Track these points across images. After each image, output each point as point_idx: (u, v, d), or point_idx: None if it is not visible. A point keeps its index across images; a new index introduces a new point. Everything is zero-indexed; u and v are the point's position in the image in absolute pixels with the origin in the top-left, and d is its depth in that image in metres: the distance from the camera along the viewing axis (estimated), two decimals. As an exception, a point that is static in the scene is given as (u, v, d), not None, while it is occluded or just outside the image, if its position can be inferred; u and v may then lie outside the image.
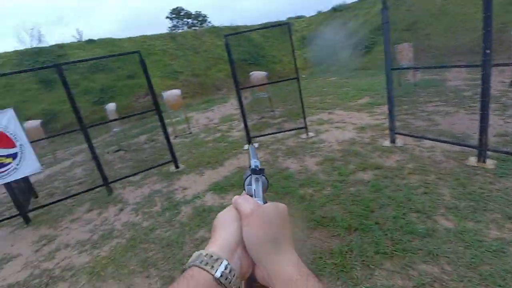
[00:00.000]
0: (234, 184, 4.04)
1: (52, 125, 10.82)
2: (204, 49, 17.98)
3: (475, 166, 3.36)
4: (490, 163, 3.34)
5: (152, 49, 16.11)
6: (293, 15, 27.85)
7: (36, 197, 5.23)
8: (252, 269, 0.43)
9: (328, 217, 2.75)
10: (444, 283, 1.85)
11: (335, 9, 22.06)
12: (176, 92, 7.83)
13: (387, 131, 4.48)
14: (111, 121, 6.34)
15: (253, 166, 0.55)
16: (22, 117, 4.04)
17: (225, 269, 0.39)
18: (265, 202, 0.49)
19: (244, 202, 0.46)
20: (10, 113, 3.87)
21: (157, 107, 4.89)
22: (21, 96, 11.99)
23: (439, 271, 1.95)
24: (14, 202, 4.20)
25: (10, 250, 3.69)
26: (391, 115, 4.25)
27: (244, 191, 0.53)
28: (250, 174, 0.54)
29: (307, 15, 25.61)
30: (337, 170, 3.79)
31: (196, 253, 0.41)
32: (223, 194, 3.87)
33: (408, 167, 3.57)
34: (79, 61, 5.71)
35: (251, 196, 0.50)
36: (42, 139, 6.41)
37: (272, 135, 5.79)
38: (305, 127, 5.43)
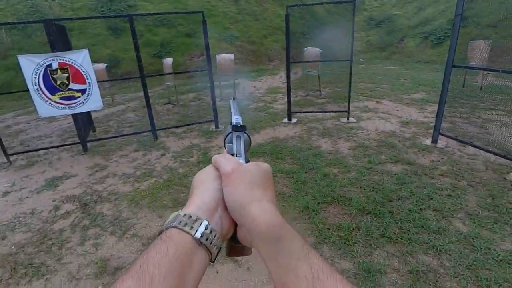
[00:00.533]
0: (265, 152, 4.28)
1: (115, 70, 11.83)
2: (264, 16, 17.76)
3: (515, 181, 3.19)
4: (535, 181, 3.15)
5: (215, 10, 16.31)
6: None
7: (94, 131, 6.00)
8: (233, 229, 0.42)
9: (346, 197, 2.90)
10: (438, 275, 1.96)
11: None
12: (229, 56, 8.06)
13: (432, 130, 4.31)
14: (166, 74, 6.83)
15: (234, 123, 0.52)
16: (91, 59, 4.57)
17: (206, 229, 0.37)
18: (247, 161, 0.47)
19: (224, 160, 0.44)
20: (85, 53, 4.42)
21: (209, 69, 5.19)
22: (92, 39, 13.13)
23: (437, 264, 2.05)
24: (77, 131, 4.92)
25: (70, 170, 4.39)
26: (439, 114, 4.07)
27: (224, 150, 0.50)
28: (231, 131, 0.50)
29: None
30: (367, 157, 3.83)
31: (173, 214, 0.38)
32: (253, 158, 4.14)
33: (441, 168, 3.50)
34: (149, 14, 6.14)
35: (233, 155, 0.48)
36: (106, 81, 7.16)
37: (313, 113, 5.84)
38: (348, 111, 5.39)
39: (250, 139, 0.52)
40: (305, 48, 7.70)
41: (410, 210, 2.66)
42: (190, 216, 0.37)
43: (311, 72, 7.77)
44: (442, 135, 4.16)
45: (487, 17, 12.97)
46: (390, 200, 2.85)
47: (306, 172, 3.49)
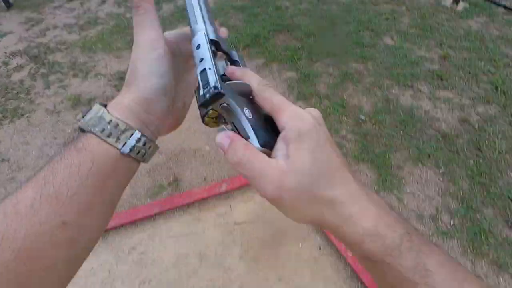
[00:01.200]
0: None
1: None
2: None
3: (447, 7, 3.51)
4: (461, 5, 3.49)
5: None
6: None
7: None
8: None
9: (295, 25, 3.09)
10: (361, 75, 2.46)
11: None
12: None
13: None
14: None
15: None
16: None
17: (137, 142, 0.29)
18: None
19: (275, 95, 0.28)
20: None
21: None
22: None
23: (362, 68, 2.54)
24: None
25: (0, 28, 3.92)
26: None
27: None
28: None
29: None
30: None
31: (95, 109, 0.28)
32: None
33: (385, -3, 3.67)
34: None
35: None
36: None
37: None
38: None
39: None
40: None
41: (350, 32, 2.98)
42: (117, 125, 0.28)
43: None
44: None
45: None
46: (334, 24, 3.11)
47: (258, 7, 3.49)
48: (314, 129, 0.25)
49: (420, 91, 2.35)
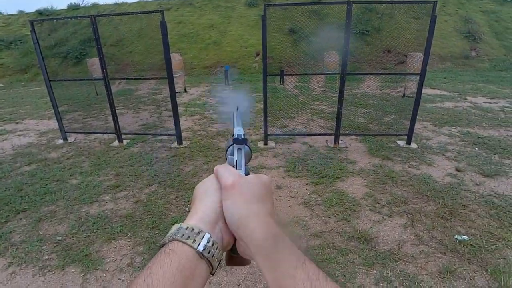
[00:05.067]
0: None
1: None
2: None
3: (116, 145, 5.05)
4: (125, 142, 5.17)
5: None
6: (-22, 9, 21.99)
7: None
8: (233, 241, 0.42)
9: (-27, 204, 3.29)
10: (51, 214, 3.06)
11: (41, 13, 20.00)
12: None
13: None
14: None
15: (236, 135, 0.52)
16: None
17: (208, 242, 0.37)
18: (247, 173, 0.47)
19: (225, 172, 0.44)
20: None
21: None
22: None
23: (55, 208, 3.15)
24: None
25: None
26: (58, 118, 5.21)
27: (226, 161, 0.51)
28: (233, 144, 0.51)
29: (5, 13, 21.36)
30: (1, 170, 4.24)
31: (175, 226, 0.39)
32: None
33: (69, 155, 4.71)
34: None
35: (233, 166, 0.48)
36: None
37: None
38: (-25, 139, 5.22)
39: (251, 151, 0.52)
40: None
41: (36, 187, 3.59)
42: (193, 229, 0.37)
43: None
44: (69, 132, 5.40)
45: (109, 38, 16.03)
46: (21, 189, 3.62)
47: None
48: (266, 179, 0.45)
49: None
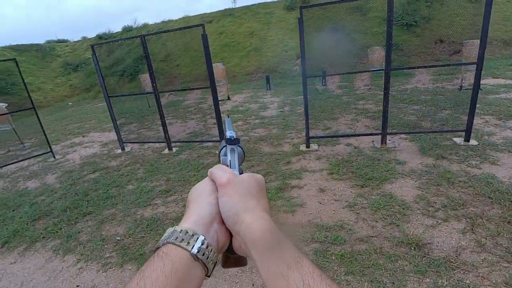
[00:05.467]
0: None
1: None
2: None
3: (166, 153, 5.42)
4: (174, 150, 5.52)
5: None
6: (54, 38, 25.48)
7: None
8: (229, 242, 0.42)
9: (50, 210, 3.79)
10: (112, 217, 3.40)
11: (100, 37, 22.39)
12: None
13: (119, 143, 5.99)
14: None
15: (228, 136, 0.53)
16: None
17: (202, 244, 0.37)
18: (241, 173, 0.48)
19: (220, 172, 0.44)
20: None
21: None
22: None
23: (115, 211, 3.50)
24: None
25: None
26: (117, 130, 5.78)
27: (220, 162, 0.52)
28: (226, 145, 0.52)
29: (71, 40, 24.43)
30: (71, 178, 4.82)
31: (169, 230, 0.38)
32: None
33: (126, 163, 5.18)
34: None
35: (228, 166, 0.49)
36: None
37: (18, 163, 5.92)
38: (51, 151, 6.02)
39: (244, 152, 0.54)
40: None
41: (102, 192, 4.03)
42: (187, 232, 0.38)
43: (3, 128, 7.42)
44: (126, 142, 5.94)
45: (158, 54, 17.30)
46: (87, 194, 4.08)
47: (13, 210, 3.96)
48: (260, 178, 0.47)
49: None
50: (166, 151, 5.54)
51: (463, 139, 4.27)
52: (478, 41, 3.90)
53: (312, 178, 3.76)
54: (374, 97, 7.59)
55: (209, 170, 0.46)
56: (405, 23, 13.64)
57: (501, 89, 7.01)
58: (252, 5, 18.25)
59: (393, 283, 2.09)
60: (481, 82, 7.37)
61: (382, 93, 4.33)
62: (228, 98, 9.93)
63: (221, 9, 19.26)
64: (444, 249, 2.34)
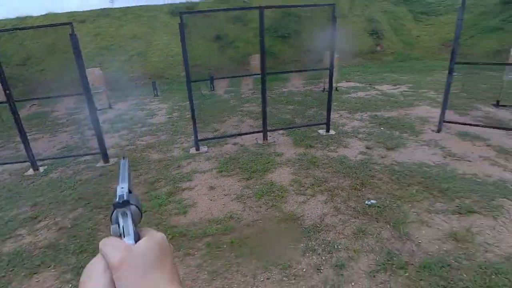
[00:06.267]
0: None
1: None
2: None
3: (30, 174, 4.55)
4: (41, 169, 4.68)
5: None
6: None
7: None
8: None
9: None
10: None
11: None
12: None
13: None
14: None
15: (117, 197, 0.43)
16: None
17: None
18: (138, 239, 0.41)
19: (110, 250, 0.38)
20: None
21: None
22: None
23: None
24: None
25: None
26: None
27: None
28: (115, 209, 0.43)
29: None
30: None
31: None
32: None
33: None
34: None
35: (120, 235, 0.41)
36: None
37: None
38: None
39: (140, 210, 0.45)
40: None
41: None
42: None
43: None
44: None
45: (13, 57, 14.23)
46: None
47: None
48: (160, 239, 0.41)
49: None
50: (31, 171, 4.64)
51: (325, 130, 5.20)
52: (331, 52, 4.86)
53: (203, 178, 3.87)
54: (257, 100, 8.31)
55: (100, 243, 0.40)
56: (280, 35, 15.46)
57: (351, 90, 8.82)
58: (133, 6, 17.09)
59: (276, 254, 2.41)
60: (338, 85, 9.12)
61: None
62: (110, 107, 9.05)
63: (95, 9, 17.29)
64: (312, 218, 2.83)
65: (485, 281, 2.08)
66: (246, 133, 5.26)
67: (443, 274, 2.15)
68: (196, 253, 2.52)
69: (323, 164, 3.95)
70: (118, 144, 5.51)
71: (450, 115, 5.47)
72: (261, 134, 5.00)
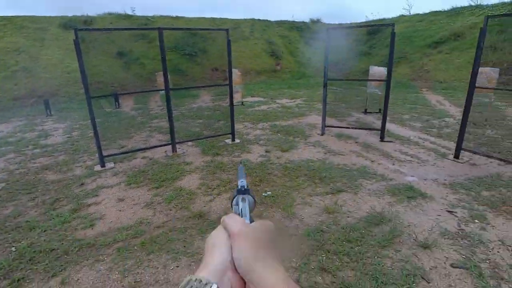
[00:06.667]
0: None
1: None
2: None
3: None
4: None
5: None
6: None
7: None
8: None
9: None
10: None
11: None
12: None
13: None
14: None
15: (239, 186, 0.57)
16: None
17: None
18: (252, 221, 0.49)
19: (231, 221, 0.46)
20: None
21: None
22: None
23: None
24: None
25: None
26: None
27: (232, 211, 0.55)
28: (237, 194, 0.56)
29: None
30: None
31: (186, 278, 0.40)
32: None
33: None
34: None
35: (239, 215, 0.51)
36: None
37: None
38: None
39: (254, 201, 0.56)
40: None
41: None
42: (201, 281, 0.39)
43: None
44: None
45: None
46: None
47: None
48: (270, 225, 0.48)
49: None
50: None
51: (231, 140, 5.72)
52: (236, 70, 5.46)
53: (110, 192, 3.84)
54: (166, 115, 8.35)
55: (222, 218, 0.48)
56: (187, 53, 15.80)
57: (255, 104, 9.74)
58: (15, 16, 14.84)
59: (184, 246, 2.68)
60: (244, 99, 9.94)
61: (173, 111, 5.06)
62: (-12, 130, 7.71)
63: (-38, 17, 14.37)
64: (218, 212, 3.21)
65: (346, 236, 2.81)
66: (155, 146, 5.36)
67: (317, 238, 2.79)
68: (106, 258, 2.57)
69: (229, 168, 4.41)
70: (5, 169, 4.85)
71: (332, 121, 6.74)
72: (170, 146, 5.18)
